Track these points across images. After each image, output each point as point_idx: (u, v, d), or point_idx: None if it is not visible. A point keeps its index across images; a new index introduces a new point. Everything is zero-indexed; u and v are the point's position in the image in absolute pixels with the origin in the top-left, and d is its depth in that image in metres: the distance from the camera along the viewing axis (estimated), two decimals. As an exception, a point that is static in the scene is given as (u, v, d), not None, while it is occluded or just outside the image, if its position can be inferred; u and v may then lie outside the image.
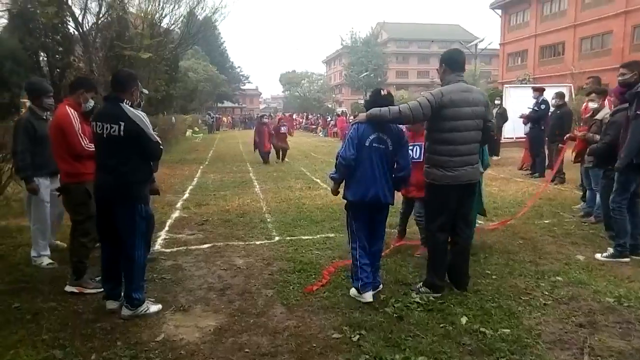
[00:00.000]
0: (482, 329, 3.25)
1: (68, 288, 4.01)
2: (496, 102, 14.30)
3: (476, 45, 35.37)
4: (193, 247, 5.49)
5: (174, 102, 23.96)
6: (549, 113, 10.09)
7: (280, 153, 14.99)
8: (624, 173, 4.66)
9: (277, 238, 5.81)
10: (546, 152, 10.55)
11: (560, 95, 9.36)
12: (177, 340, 3.22)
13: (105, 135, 3.43)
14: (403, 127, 4.02)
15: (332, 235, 5.87)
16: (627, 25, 29.62)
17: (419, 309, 3.62)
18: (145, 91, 5.12)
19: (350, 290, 3.96)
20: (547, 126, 10.10)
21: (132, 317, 3.55)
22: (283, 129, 15.37)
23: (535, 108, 10.44)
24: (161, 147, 3.59)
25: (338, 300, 3.84)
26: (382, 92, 3.83)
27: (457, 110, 3.60)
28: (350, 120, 18.33)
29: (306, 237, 5.79)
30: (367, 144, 3.65)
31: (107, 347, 3.11)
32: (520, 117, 11.14)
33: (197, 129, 33.11)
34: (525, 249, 5.16)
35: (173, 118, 22.89)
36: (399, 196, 4.66)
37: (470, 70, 56.25)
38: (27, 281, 4.33)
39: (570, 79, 29.91)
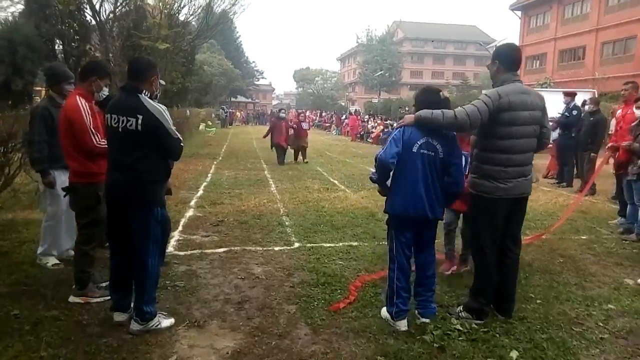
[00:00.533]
0: (535, 367, 2.87)
1: (72, 299, 3.68)
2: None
3: (495, 46, 34.60)
4: (208, 251, 5.15)
5: (189, 95, 23.71)
6: (580, 119, 9.61)
7: (300, 153, 13.85)
8: None
9: (296, 244, 5.45)
10: (574, 160, 10.08)
11: (594, 102, 8.89)
12: (192, 364, 2.88)
13: (120, 130, 3.09)
14: None
15: (356, 243, 5.50)
16: (598, 42, 28.79)
17: (460, 338, 3.23)
18: (162, 82, 4.78)
19: (382, 311, 3.59)
20: (577, 133, 9.63)
21: (142, 333, 3.21)
22: (305, 125, 14.09)
23: (567, 114, 9.95)
24: (181, 144, 3.23)
25: (369, 323, 3.46)
26: (441, 94, 3.41)
27: (514, 114, 3.20)
28: (387, 125, 17.74)
29: (328, 245, 5.42)
30: (414, 150, 3.24)
31: (113, 370, 2.78)
32: (550, 122, 10.64)
33: (211, 123, 32.85)
34: (568, 269, 4.75)
35: (188, 111, 22.63)
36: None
37: (487, 72, 55.82)
38: (29, 284, 4.01)
39: (592, 84, 29.37)
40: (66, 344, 3.06)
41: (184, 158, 14.31)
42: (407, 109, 20.66)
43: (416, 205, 3.26)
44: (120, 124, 3.07)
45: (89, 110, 3.61)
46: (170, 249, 5.18)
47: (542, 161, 13.35)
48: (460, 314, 3.54)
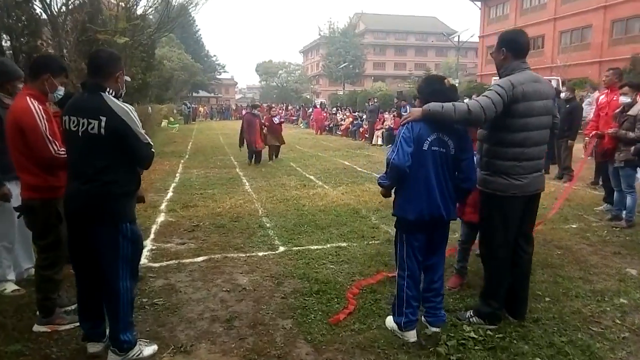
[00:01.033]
0: (564, 377, 2.63)
1: (37, 328, 3.20)
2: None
3: (459, 37, 34.98)
4: (186, 261, 4.72)
5: (149, 91, 22.77)
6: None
7: (274, 150, 12.83)
8: None
9: (281, 248, 5.08)
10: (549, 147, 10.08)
11: (570, 89, 8.86)
12: (183, 401, 2.49)
13: (80, 134, 2.63)
14: None
15: (344, 244, 5.18)
16: (607, 20, 29.74)
17: (477, 347, 2.97)
18: (128, 78, 4.28)
19: (386, 320, 3.29)
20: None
21: (122, 365, 2.79)
22: (276, 119, 12.95)
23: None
24: (152, 150, 2.81)
25: (375, 336, 3.15)
26: (446, 82, 3.08)
27: (529, 104, 2.94)
28: (391, 119, 16.98)
29: (315, 247, 5.08)
30: (425, 147, 2.93)
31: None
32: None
33: (173, 119, 31.83)
34: (568, 261, 4.58)
35: (149, 108, 21.73)
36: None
37: (448, 62, 56.81)
38: (-16, 312, 3.50)
39: (553, 71, 30.05)
40: (31, 385, 2.61)
41: (148, 158, 13.79)
42: (375, 100, 20.36)
43: (431, 208, 2.96)
44: (80, 128, 2.62)
45: (42, 114, 3.05)
46: (143, 260, 4.72)
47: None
48: (471, 319, 3.28)
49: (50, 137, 3.04)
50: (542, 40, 35.00)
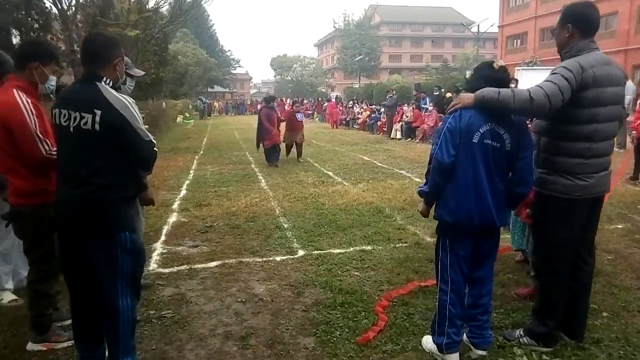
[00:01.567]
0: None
1: (30, 347, 2.87)
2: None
3: (478, 27, 34.09)
4: (198, 266, 4.36)
5: (163, 86, 22.57)
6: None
7: (295, 148, 11.44)
8: None
9: (301, 252, 4.69)
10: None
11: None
12: None
13: (72, 130, 2.27)
14: None
15: (369, 248, 4.77)
16: (633, 6, 28.65)
17: (532, 375, 2.55)
18: (140, 72, 3.90)
19: (423, 341, 2.89)
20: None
21: (122, 393, 2.43)
22: (300, 117, 11.57)
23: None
24: (155, 148, 2.43)
25: (410, 359, 2.75)
26: (495, 65, 2.64)
27: (600, 91, 2.48)
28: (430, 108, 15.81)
29: (337, 251, 4.68)
30: (475, 140, 2.50)
31: None
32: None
33: (189, 115, 31.65)
34: (621, 268, 4.10)
35: (163, 103, 21.52)
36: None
37: (465, 53, 55.74)
38: (-24, 327, 3.19)
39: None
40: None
41: (162, 153, 13.35)
42: (394, 92, 19.77)
43: (482, 211, 2.53)
44: (72, 122, 2.25)
45: (32, 109, 2.69)
46: (153, 265, 4.40)
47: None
48: (521, 339, 2.85)
49: (40, 136, 2.68)
50: (565, 29, 33.95)
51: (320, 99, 40.38)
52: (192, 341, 3.04)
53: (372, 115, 21.13)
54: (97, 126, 2.24)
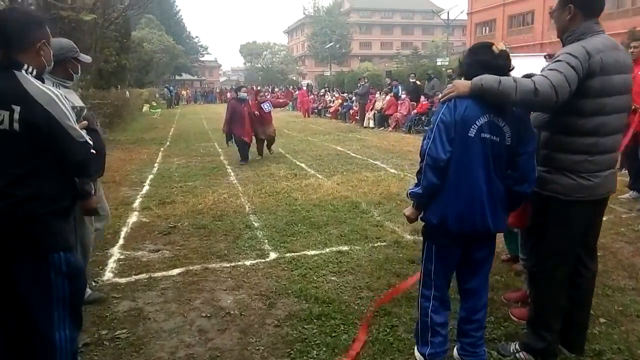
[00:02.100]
0: None
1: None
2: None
3: (448, 14, 34.03)
4: (158, 275, 3.95)
5: (127, 74, 21.61)
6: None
7: (265, 143, 10.04)
8: None
9: (272, 255, 4.33)
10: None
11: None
12: None
13: (-16, 131, 1.84)
14: None
15: (346, 248, 4.44)
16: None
17: (532, 398, 2.27)
18: (88, 58, 3.41)
19: (415, 353, 2.59)
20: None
21: None
22: (267, 107, 9.87)
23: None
24: (92, 151, 2.01)
25: (399, 383, 2.44)
26: (494, 49, 2.30)
27: (607, 80, 2.19)
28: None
29: (312, 253, 4.33)
30: (471, 134, 2.19)
31: None
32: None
33: (155, 104, 30.60)
34: (612, 266, 3.90)
35: (127, 92, 20.63)
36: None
37: (434, 41, 55.85)
38: None
39: (540, 49, 29.35)
40: None
41: (126, 145, 12.81)
42: (366, 81, 19.40)
43: (474, 216, 2.23)
44: None
45: None
46: (108, 274, 3.96)
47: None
48: (517, 355, 2.58)
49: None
50: (532, 16, 34.31)
51: (292, 86, 39.76)
52: (149, 368, 2.66)
53: (345, 104, 20.80)
54: (16, 125, 1.82)
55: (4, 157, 1.86)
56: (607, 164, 2.30)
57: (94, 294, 3.51)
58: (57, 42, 3.08)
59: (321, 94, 26.22)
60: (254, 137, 9.69)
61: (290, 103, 31.10)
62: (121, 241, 4.80)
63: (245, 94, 9.76)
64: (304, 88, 30.77)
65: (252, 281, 3.77)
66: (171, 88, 38.38)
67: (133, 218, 5.60)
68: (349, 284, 3.65)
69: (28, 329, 2.00)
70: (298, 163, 9.28)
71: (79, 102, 3.09)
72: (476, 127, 2.18)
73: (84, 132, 1.97)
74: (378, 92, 18.77)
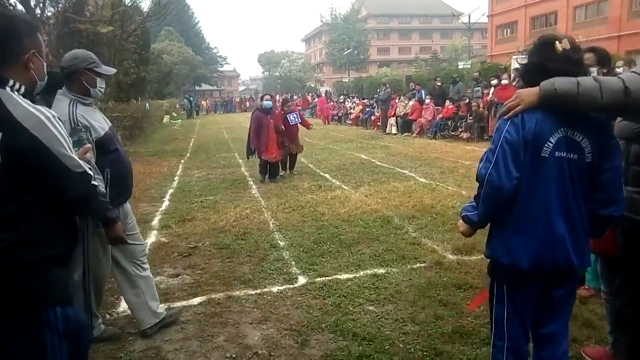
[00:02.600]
0: None
1: None
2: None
3: (469, 16, 33.38)
4: (178, 304, 3.61)
5: (147, 86, 21.62)
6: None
7: (288, 160, 8.90)
8: None
9: (301, 279, 3.95)
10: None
11: (629, 62, 7.58)
12: None
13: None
14: None
15: (382, 271, 4.03)
16: (625, -7, 28.11)
17: None
18: (111, 69, 3.11)
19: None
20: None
21: None
22: (293, 119, 8.71)
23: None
24: (93, 182, 1.66)
25: None
26: (558, 46, 1.82)
27: None
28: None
29: (345, 277, 3.93)
30: (544, 154, 1.78)
31: None
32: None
33: (176, 114, 30.70)
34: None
35: (147, 104, 20.61)
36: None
37: (454, 44, 55.09)
38: None
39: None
40: None
41: (146, 158, 12.61)
42: (387, 86, 18.92)
43: (553, 253, 1.82)
44: None
45: None
46: (124, 305, 3.61)
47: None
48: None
49: None
50: (555, 17, 33.48)
51: (310, 93, 39.49)
52: None
53: (366, 110, 20.39)
54: (-5, 155, 1.47)
55: (-15, 191, 1.52)
56: None
57: (108, 329, 3.18)
58: (72, 53, 2.82)
59: (341, 100, 25.85)
60: (281, 154, 8.48)
61: (310, 110, 30.89)
62: (139, 264, 4.47)
63: (270, 102, 8.48)
64: (323, 95, 30.46)
65: (280, 312, 3.38)
66: (191, 98, 38.55)
67: (152, 238, 5.29)
68: (389, 316, 3.24)
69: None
70: (322, 174, 8.90)
71: (100, 122, 2.79)
72: (550, 145, 1.77)
73: (83, 161, 1.62)
74: (399, 97, 18.32)
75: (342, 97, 27.43)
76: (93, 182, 1.64)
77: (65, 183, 1.56)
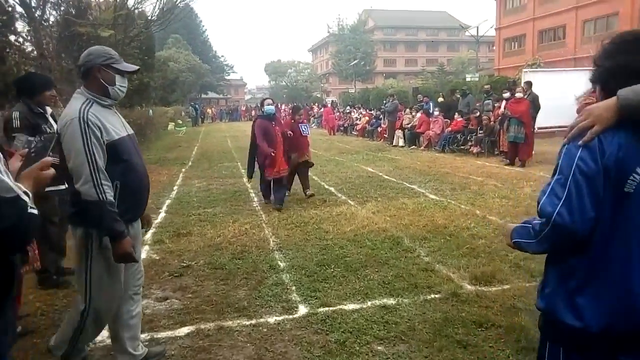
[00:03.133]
0: None
1: None
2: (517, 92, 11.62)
3: (477, 29, 33.16)
4: (163, 335, 3.21)
5: (151, 92, 21.37)
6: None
7: (298, 176, 7.69)
8: None
9: (302, 309, 3.54)
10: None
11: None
12: None
13: None
14: None
15: (392, 302, 3.61)
16: (635, 7, 27.82)
17: None
18: (132, 66, 2.76)
19: None
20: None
21: None
22: (305, 130, 7.61)
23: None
24: (31, 210, 1.27)
25: None
26: None
27: None
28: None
29: (351, 308, 3.52)
30: (629, 189, 1.38)
31: None
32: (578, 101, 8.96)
33: (181, 122, 30.47)
34: None
35: (150, 111, 20.34)
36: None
37: (461, 57, 54.86)
38: None
39: (573, 64, 28.17)
40: None
41: (147, 166, 12.26)
42: (394, 98, 18.50)
43: (633, 312, 1.41)
44: None
45: None
46: (104, 334, 3.22)
47: (551, 147, 11.78)
48: None
49: None
50: (564, 30, 33.21)
51: (317, 103, 39.23)
52: None
53: (372, 121, 20.04)
54: None
55: None
56: None
57: (80, 364, 2.79)
58: (88, 50, 2.53)
59: (347, 111, 25.54)
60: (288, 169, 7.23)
61: (315, 120, 30.57)
62: (125, 285, 4.08)
63: (272, 107, 7.24)
64: (329, 105, 30.17)
65: (276, 349, 2.98)
66: (197, 106, 38.39)
67: (142, 254, 4.87)
68: (401, 359, 2.82)
69: None
70: (327, 187, 8.51)
71: (115, 126, 2.47)
72: (637, 177, 1.36)
73: (18, 185, 1.24)
74: (406, 109, 17.94)
75: (347, 107, 27.13)
76: (30, 211, 1.26)
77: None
